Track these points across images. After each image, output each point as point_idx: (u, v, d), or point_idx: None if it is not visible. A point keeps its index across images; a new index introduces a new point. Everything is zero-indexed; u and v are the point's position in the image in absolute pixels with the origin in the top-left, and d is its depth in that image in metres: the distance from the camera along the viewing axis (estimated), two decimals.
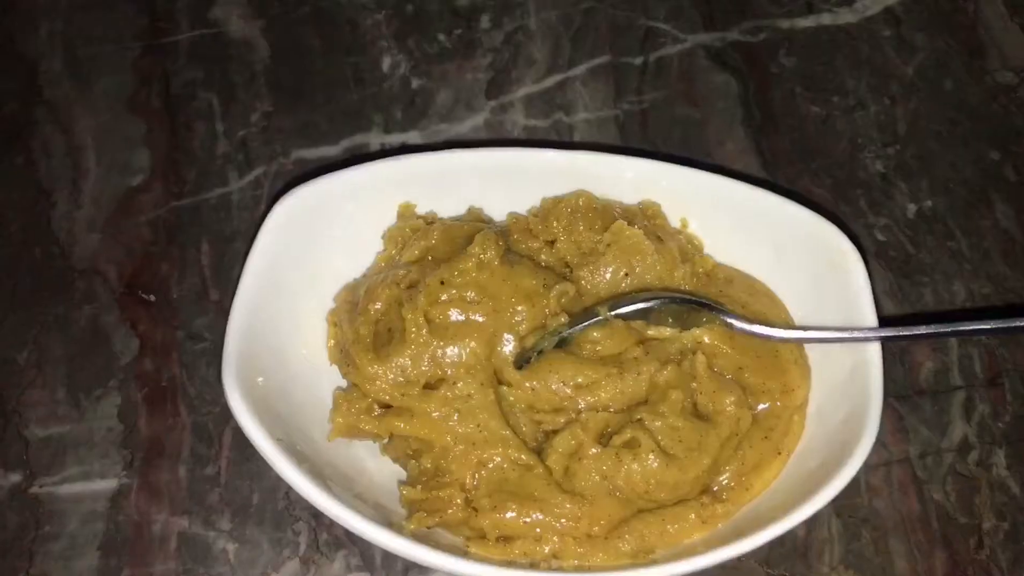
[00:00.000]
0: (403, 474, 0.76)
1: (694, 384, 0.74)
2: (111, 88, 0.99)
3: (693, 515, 0.71)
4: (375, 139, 0.96)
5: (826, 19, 1.02)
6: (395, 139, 0.96)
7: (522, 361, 0.74)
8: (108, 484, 0.80)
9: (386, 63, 1.00)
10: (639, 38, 1.01)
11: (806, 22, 1.02)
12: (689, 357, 0.75)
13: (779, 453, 0.74)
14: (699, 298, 0.76)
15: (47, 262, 0.90)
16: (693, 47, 1.01)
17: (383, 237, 0.82)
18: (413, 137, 0.97)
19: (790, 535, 0.74)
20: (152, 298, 0.87)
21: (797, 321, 0.80)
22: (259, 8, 1.03)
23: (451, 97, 0.98)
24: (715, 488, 0.73)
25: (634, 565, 0.69)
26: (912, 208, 0.91)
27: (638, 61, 1.00)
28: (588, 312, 0.75)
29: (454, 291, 0.73)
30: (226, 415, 0.83)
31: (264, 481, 0.81)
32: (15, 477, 0.80)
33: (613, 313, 0.75)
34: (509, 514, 0.70)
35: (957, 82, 0.99)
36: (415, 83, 0.99)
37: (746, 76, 0.99)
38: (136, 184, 0.94)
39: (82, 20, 1.03)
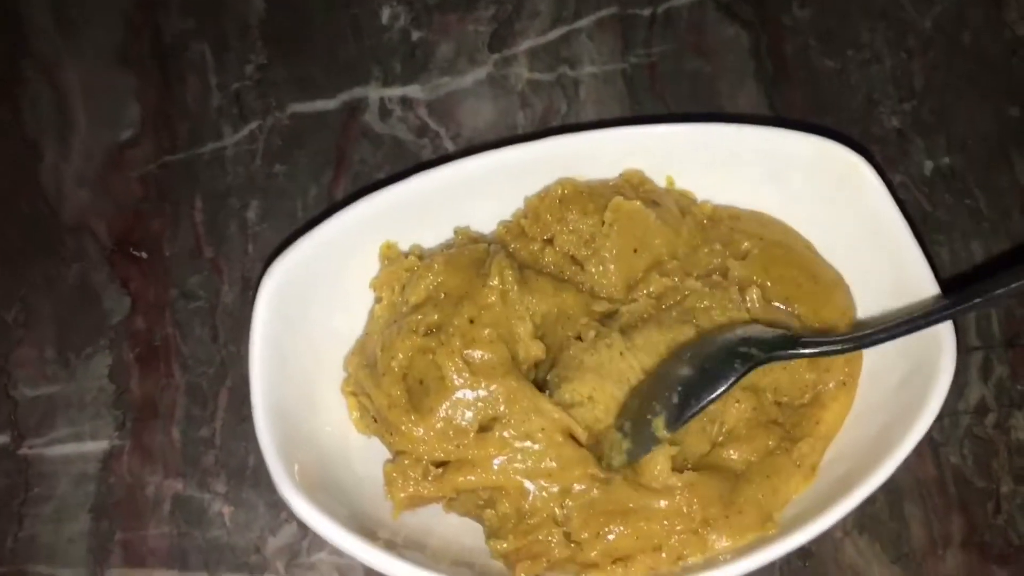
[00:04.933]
0: (470, 524, 0.70)
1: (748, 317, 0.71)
2: (100, 39, 0.95)
3: (785, 459, 0.69)
4: (374, 92, 0.93)
5: None
6: (395, 92, 0.93)
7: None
8: (99, 445, 0.78)
9: (385, 14, 0.96)
10: None
11: None
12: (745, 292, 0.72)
13: (844, 384, 0.72)
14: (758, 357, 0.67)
15: (35, 219, 0.86)
16: None
17: (372, 287, 0.74)
18: (413, 91, 0.93)
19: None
20: (144, 255, 0.84)
21: (817, 245, 0.77)
22: None
23: (452, 50, 0.95)
24: (787, 430, 0.71)
25: (764, 540, 0.65)
26: (929, 165, 0.88)
27: (646, 13, 0.96)
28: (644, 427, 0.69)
29: (488, 330, 0.68)
30: (221, 375, 0.82)
31: None
32: (3, 438, 0.78)
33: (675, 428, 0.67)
34: (611, 536, 0.66)
35: (976, 35, 0.95)
36: (415, 35, 0.95)
37: (758, 28, 0.96)
38: (126, 138, 0.90)
39: None
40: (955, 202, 0.86)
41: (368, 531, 0.66)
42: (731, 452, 0.70)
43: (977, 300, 0.66)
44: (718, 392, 0.65)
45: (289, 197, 0.86)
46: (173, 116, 0.91)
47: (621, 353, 0.69)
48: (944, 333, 0.68)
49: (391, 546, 0.65)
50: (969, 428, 0.78)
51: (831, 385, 0.73)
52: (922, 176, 0.89)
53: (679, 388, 0.66)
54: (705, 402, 0.65)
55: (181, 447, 0.77)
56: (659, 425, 0.67)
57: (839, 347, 0.68)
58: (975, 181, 0.87)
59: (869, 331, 0.68)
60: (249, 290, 0.83)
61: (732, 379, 0.65)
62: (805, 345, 0.68)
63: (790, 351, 0.68)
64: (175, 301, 0.82)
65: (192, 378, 0.80)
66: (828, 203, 0.75)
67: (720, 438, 0.70)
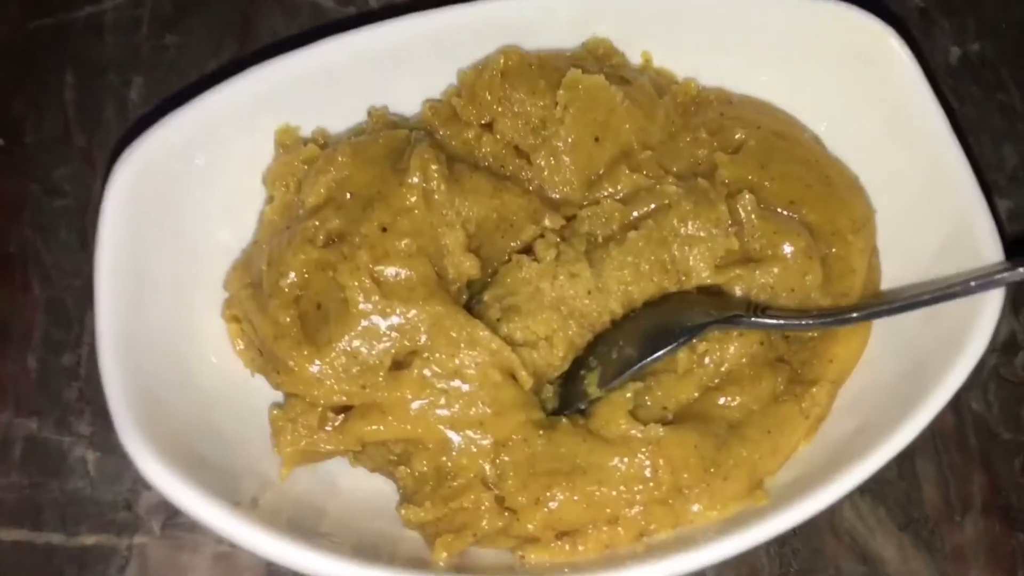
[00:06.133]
0: (382, 482, 0.59)
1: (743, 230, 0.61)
2: None
3: (792, 408, 0.58)
4: None
5: None
6: None
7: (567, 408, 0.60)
8: None
9: None
10: None
11: None
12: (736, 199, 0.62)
13: None
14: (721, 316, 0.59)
15: None
16: None
17: (264, 182, 0.64)
18: None
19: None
20: (1, 143, 0.75)
21: (827, 140, 0.67)
22: None
23: None
24: (795, 369, 0.61)
25: (752, 514, 0.54)
26: (956, 52, 0.79)
27: None
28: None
29: (405, 240, 0.56)
30: (90, 290, 0.68)
31: None
32: None
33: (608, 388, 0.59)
34: (555, 503, 0.55)
35: None
36: None
37: None
38: None
39: None
40: (985, 96, 0.78)
41: (249, 497, 0.54)
42: (728, 398, 0.59)
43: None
44: (659, 354, 0.58)
45: (181, 74, 0.77)
46: None
47: (590, 292, 0.59)
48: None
49: (275, 519, 0.53)
50: (995, 369, 0.70)
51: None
52: (947, 65, 0.80)
53: (620, 343, 0.59)
54: (645, 362, 0.58)
55: (37, 378, 0.68)
56: (592, 381, 0.59)
57: (811, 321, 0.59)
58: (1009, 72, 0.79)
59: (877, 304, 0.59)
60: None
61: (678, 341, 0.59)
62: (774, 316, 0.59)
63: (753, 319, 0.58)
64: (37, 198, 0.73)
65: (54, 293, 0.70)
66: (844, 87, 0.66)
67: (715, 380, 0.60)
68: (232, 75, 0.66)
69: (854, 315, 0.58)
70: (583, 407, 0.58)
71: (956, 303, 0.56)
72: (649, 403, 0.58)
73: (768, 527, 0.52)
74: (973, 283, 0.55)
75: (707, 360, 0.59)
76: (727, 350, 0.59)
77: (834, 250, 0.62)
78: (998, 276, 0.55)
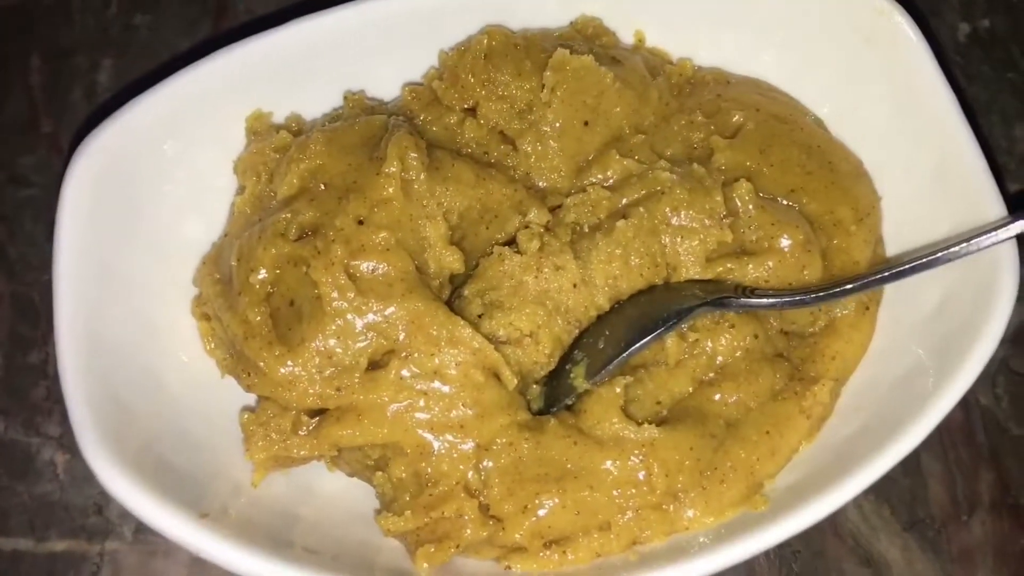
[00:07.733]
0: (360, 487, 0.57)
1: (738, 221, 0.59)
2: None
3: (792, 407, 0.56)
4: None
5: None
6: None
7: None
8: None
9: None
10: None
11: None
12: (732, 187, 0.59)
13: (867, 308, 0.60)
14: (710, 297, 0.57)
15: None
16: None
17: (235, 171, 0.61)
18: None
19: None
20: None
21: (830, 123, 0.65)
22: None
23: None
24: (795, 366, 0.59)
25: (751, 520, 0.52)
26: (964, 28, 0.78)
27: None
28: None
29: (383, 233, 0.53)
30: None
31: None
32: None
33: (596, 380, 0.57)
34: (543, 510, 0.52)
35: None
36: None
37: None
38: None
39: None
40: (995, 76, 0.77)
41: (219, 505, 0.52)
42: (724, 394, 0.56)
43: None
44: (646, 339, 0.56)
45: (153, 55, 0.75)
46: None
47: (575, 285, 0.57)
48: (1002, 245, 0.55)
49: (246, 528, 0.50)
50: (1005, 361, 0.68)
51: (851, 308, 0.59)
52: (955, 42, 0.77)
53: (606, 332, 0.57)
54: (633, 348, 0.56)
55: (3, 377, 0.67)
56: (579, 373, 0.56)
57: (804, 297, 0.57)
58: (1020, 50, 0.79)
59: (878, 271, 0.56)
60: None
61: (666, 325, 0.56)
62: (765, 295, 0.57)
63: (743, 299, 0.56)
64: (1, 188, 0.71)
65: (20, 288, 0.69)
66: (848, 68, 0.63)
67: (709, 374, 0.57)
68: (207, 56, 0.63)
69: (849, 286, 0.56)
70: (571, 402, 0.56)
71: (966, 293, 0.54)
72: (641, 396, 0.56)
73: (767, 535, 0.49)
74: (977, 238, 0.53)
75: (698, 350, 0.57)
76: (719, 340, 0.56)
77: (835, 241, 0.59)
78: (1003, 227, 0.52)
